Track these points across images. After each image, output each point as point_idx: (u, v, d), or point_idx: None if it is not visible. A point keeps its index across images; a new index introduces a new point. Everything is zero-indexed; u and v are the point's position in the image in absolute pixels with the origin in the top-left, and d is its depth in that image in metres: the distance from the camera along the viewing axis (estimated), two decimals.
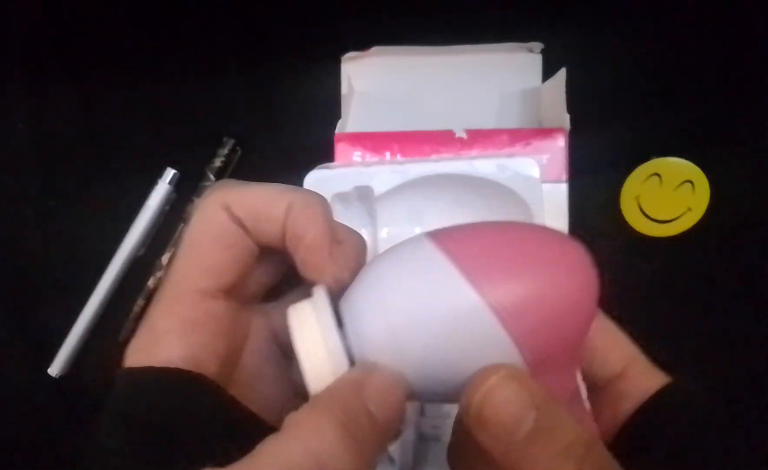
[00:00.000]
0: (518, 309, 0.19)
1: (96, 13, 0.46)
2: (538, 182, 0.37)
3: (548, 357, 0.20)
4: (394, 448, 0.37)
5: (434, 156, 0.39)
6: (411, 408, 0.37)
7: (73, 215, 0.46)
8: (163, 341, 0.23)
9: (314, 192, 0.24)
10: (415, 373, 0.20)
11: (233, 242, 0.23)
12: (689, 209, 0.42)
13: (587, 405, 0.25)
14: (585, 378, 0.25)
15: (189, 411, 0.22)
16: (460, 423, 0.23)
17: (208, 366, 0.23)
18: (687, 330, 0.43)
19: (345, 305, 0.21)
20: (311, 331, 0.21)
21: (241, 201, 0.23)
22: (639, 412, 0.23)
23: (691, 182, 0.42)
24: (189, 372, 0.22)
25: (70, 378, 0.46)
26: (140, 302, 0.45)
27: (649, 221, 0.42)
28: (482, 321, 0.19)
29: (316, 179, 0.38)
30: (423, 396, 0.21)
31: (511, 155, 0.38)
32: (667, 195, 0.42)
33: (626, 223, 0.43)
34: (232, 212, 0.23)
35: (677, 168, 0.42)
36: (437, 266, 0.20)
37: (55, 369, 0.45)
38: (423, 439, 0.37)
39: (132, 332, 0.45)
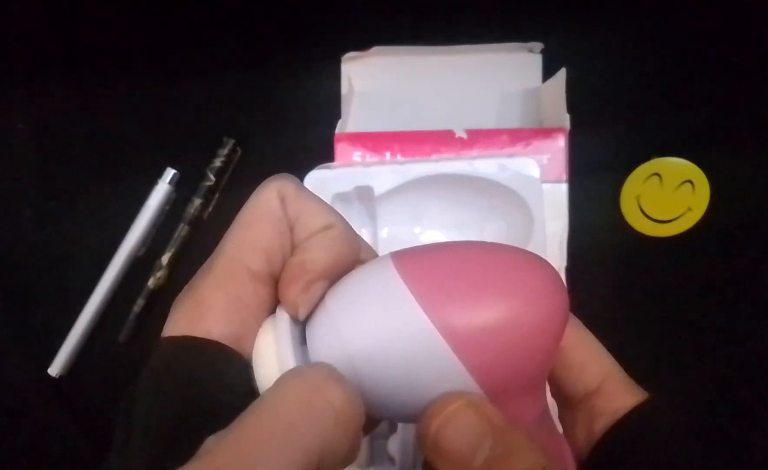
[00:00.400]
0: (471, 337, 0.19)
1: (96, 13, 0.46)
2: (538, 182, 0.37)
3: (508, 383, 0.20)
4: (394, 448, 0.37)
5: (434, 156, 0.39)
6: None
7: (73, 215, 0.46)
8: (209, 315, 0.23)
9: (352, 230, 0.25)
10: (375, 397, 0.20)
11: (286, 230, 0.23)
12: (689, 209, 0.42)
13: (557, 423, 0.24)
14: (558, 394, 0.25)
15: (221, 384, 0.22)
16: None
17: (246, 347, 0.23)
18: (687, 330, 0.43)
19: (308, 329, 0.21)
20: (267, 348, 0.21)
21: (295, 198, 0.24)
22: (612, 431, 0.23)
23: (691, 182, 0.42)
24: (228, 348, 0.22)
25: (70, 378, 0.46)
26: (140, 302, 0.45)
27: (649, 221, 0.42)
28: (435, 349, 0.19)
29: (316, 179, 0.38)
30: (385, 416, 0.21)
31: (511, 155, 0.38)
32: (668, 195, 0.42)
33: (626, 223, 0.43)
34: (285, 203, 0.23)
35: (677, 168, 0.42)
36: (394, 292, 0.19)
37: (55, 369, 0.45)
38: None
39: (132, 332, 0.46)
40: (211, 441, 0.18)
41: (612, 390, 0.23)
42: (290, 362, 0.21)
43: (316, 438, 0.18)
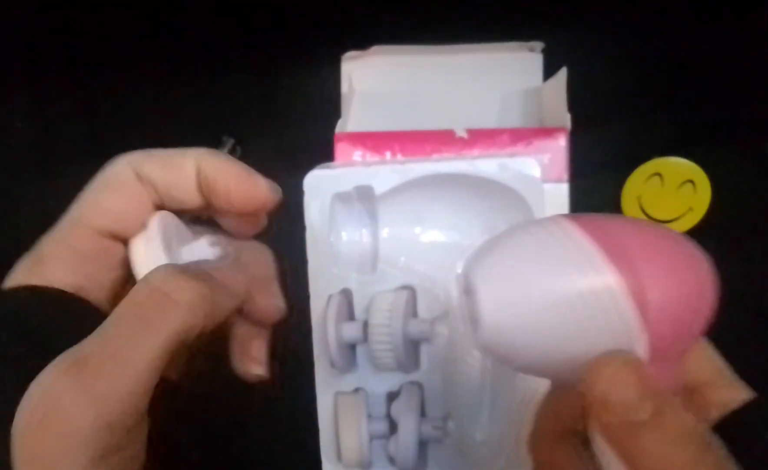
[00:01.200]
0: (656, 297, 0.20)
1: (96, 13, 0.46)
2: (539, 181, 0.37)
3: (668, 348, 0.21)
4: (394, 449, 0.37)
5: (435, 156, 0.39)
6: (412, 411, 0.36)
7: None
8: (49, 265, 0.26)
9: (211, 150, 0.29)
10: (534, 345, 0.21)
11: (134, 195, 0.27)
12: (690, 209, 0.42)
13: None
14: None
15: (64, 327, 0.24)
16: (544, 410, 0.26)
17: (93, 296, 0.25)
18: None
19: (477, 270, 0.22)
20: (139, 255, 0.27)
21: (150, 166, 0.28)
22: (726, 421, 0.25)
23: (692, 181, 0.42)
24: (71, 294, 0.25)
25: None
26: None
27: (650, 220, 0.42)
28: (620, 305, 0.20)
29: (316, 179, 0.38)
30: (528, 368, 0.23)
31: (512, 155, 0.38)
32: (669, 195, 0.42)
33: None
34: (139, 172, 0.27)
35: (679, 168, 0.42)
36: (580, 246, 0.21)
37: None
38: (424, 440, 0.37)
39: None
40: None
41: (725, 384, 0.25)
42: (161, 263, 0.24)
43: (170, 326, 0.22)
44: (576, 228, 0.21)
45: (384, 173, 0.37)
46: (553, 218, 0.22)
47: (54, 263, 0.25)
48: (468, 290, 0.22)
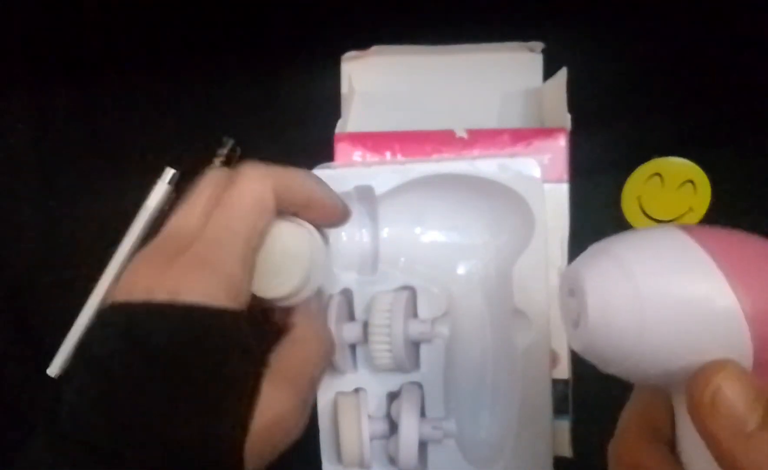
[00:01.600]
0: (764, 314, 0.21)
1: (96, 13, 0.46)
2: (539, 182, 0.37)
3: None
4: (394, 449, 0.37)
5: (435, 156, 0.39)
6: (412, 411, 0.36)
7: (73, 215, 0.46)
8: (195, 283, 0.27)
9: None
10: (639, 349, 0.21)
11: (272, 211, 0.29)
12: (690, 209, 0.42)
13: None
14: None
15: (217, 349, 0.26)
16: (631, 412, 0.26)
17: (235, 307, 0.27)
18: None
19: (589, 270, 0.23)
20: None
21: (283, 185, 0.29)
22: None
23: (692, 182, 0.42)
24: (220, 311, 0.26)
25: None
26: None
27: (650, 221, 0.42)
28: (730, 315, 0.21)
29: None
30: (625, 372, 0.23)
31: (512, 156, 0.38)
32: (669, 195, 0.42)
33: (627, 223, 0.43)
34: (277, 191, 0.29)
35: (678, 168, 0.42)
36: (694, 255, 0.21)
37: (54, 370, 0.45)
38: (424, 441, 0.37)
39: None
40: None
41: None
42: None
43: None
44: (689, 237, 0.22)
45: (384, 174, 0.37)
46: (668, 227, 0.23)
47: (199, 279, 0.26)
48: (574, 291, 0.23)
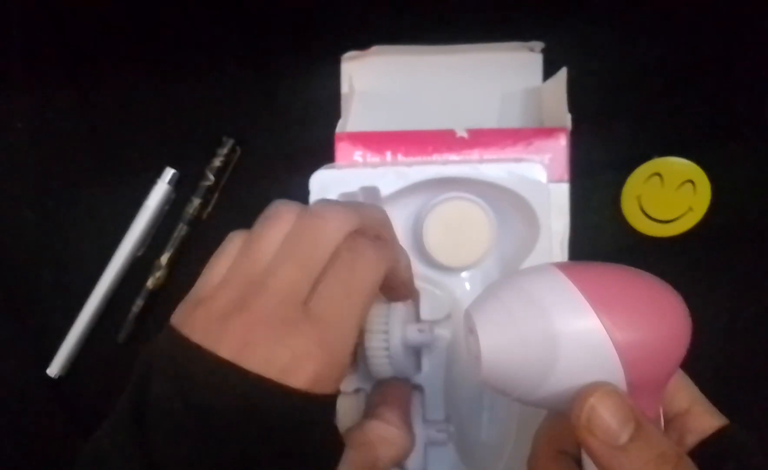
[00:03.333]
0: (632, 339, 0.23)
1: (96, 12, 0.46)
2: (545, 186, 0.37)
3: (645, 382, 0.24)
4: None
5: (436, 156, 0.39)
6: (415, 413, 0.36)
7: (73, 215, 0.46)
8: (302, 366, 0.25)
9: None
10: (528, 380, 0.24)
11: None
12: (690, 209, 0.42)
13: None
14: None
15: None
16: (541, 433, 0.29)
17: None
18: None
19: (478, 312, 0.25)
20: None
21: (390, 272, 0.30)
22: (702, 446, 0.27)
23: (692, 181, 0.42)
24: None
25: (68, 379, 0.46)
26: (139, 302, 0.45)
27: (650, 221, 0.42)
28: (600, 345, 0.23)
29: (322, 179, 0.37)
30: (523, 400, 0.25)
31: (519, 160, 0.37)
32: (669, 195, 0.42)
33: (627, 223, 0.43)
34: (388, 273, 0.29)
35: (678, 168, 0.42)
36: (567, 293, 0.24)
37: (53, 370, 0.45)
38: (424, 443, 0.37)
39: (131, 332, 0.45)
40: None
41: (701, 412, 0.28)
42: None
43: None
44: (566, 277, 0.24)
45: (390, 175, 0.37)
46: (545, 267, 0.26)
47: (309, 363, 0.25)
48: (471, 330, 0.25)
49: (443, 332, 0.37)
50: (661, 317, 0.25)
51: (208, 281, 0.28)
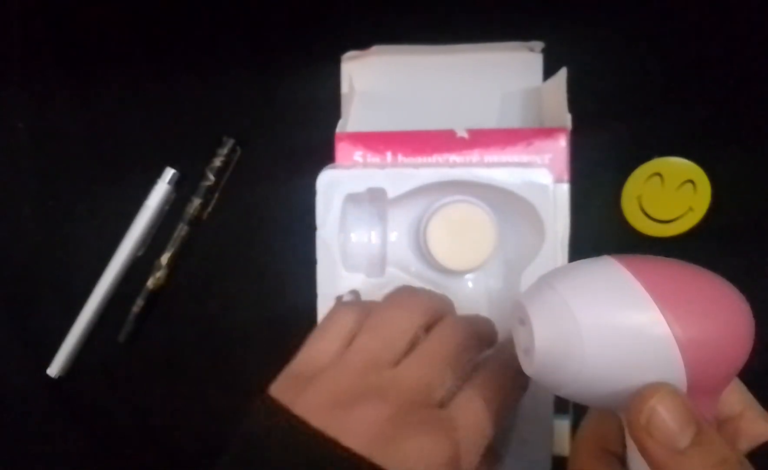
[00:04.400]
0: (696, 337, 0.22)
1: (95, 12, 0.46)
2: (550, 191, 0.37)
3: (706, 384, 0.23)
4: None
5: (436, 157, 0.39)
6: None
7: (73, 215, 0.46)
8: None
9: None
10: (582, 376, 0.23)
11: None
12: (690, 209, 0.42)
13: None
14: None
15: None
16: (586, 430, 0.28)
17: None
18: None
19: (533, 302, 0.24)
20: None
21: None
22: (756, 451, 0.26)
23: (692, 181, 0.42)
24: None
25: (69, 379, 0.46)
26: (139, 302, 0.45)
27: (650, 220, 0.42)
28: (663, 343, 0.22)
29: (329, 179, 0.37)
30: (574, 396, 0.24)
31: (525, 165, 0.37)
32: (669, 195, 0.42)
33: (627, 223, 0.43)
34: None
35: (679, 168, 0.42)
36: (630, 287, 0.23)
37: (54, 370, 0.45)
38: None
39: (131, 332, 0.45)
40: None
41: (754, 417, 0.27)
42: None
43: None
44: (626, 269, 0.23)
45: (396, 177, 0.37)
46: (605, 259, 0.24)
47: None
48: (523, 321, 0.25)
49: None
50: (726, 315, 0.23)
51: (316, 356, 0.27)
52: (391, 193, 0.37)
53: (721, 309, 0.23)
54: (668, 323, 0.22)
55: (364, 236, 0.40)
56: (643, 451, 0.22)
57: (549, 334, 0.23)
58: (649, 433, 0.22)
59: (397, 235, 0.40)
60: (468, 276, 0.39)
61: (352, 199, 0.38)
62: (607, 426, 0.27)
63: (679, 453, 0.22)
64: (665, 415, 0.22)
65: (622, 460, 0.26)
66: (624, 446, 0.26)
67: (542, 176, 0.37)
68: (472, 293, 0.39)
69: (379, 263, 0.39)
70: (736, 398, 0.27)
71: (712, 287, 0.24)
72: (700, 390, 0.23)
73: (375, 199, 0.38)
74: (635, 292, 0.23)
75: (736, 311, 0.24)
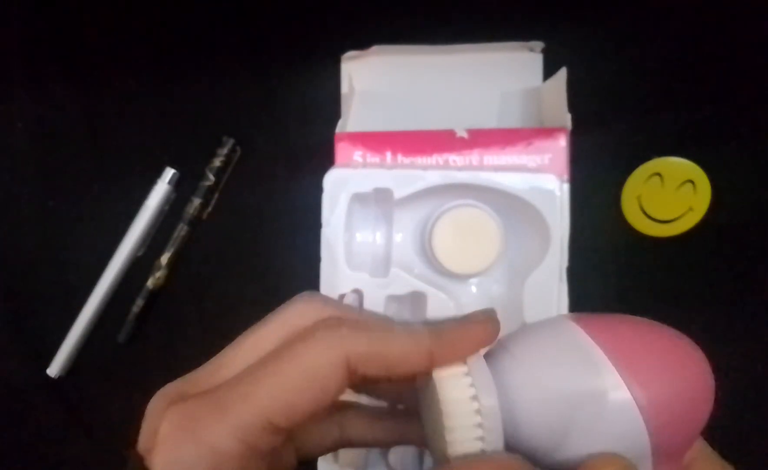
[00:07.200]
0: (658, 400, 0.21)
1: (96, 13, 0.46)
2: (556, 196, 0.37)
3: (671, 448, 0.22)
4: (395, 461, 0.37)
5: (436, 157, 0.39)
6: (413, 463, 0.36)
7: (73, 215, 0.46)
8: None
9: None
10: (538, 438, 0.22)
11: (328, 392, 0.22)
12: (690, 209, 0.42)
13: None
14: None
15: None
16: None
17: None
18: (687, 330, 0.43)
19: (493, 371, 0.22)
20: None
21: (370, 359, 0.22)
22: None
23: (692, 181, 0.42)
24: None
25: (69, 379, 0.46)
26: (139, 302, 0.45)
27: (650, 220, 0.42)
28: (625, 409, 0.21)
29: (336, 178, 0.37)
30: (532, 458, 0.23)
31: (533, 171, 0.37)
32: (669, 195, 0.42)
33: (627, 223, 0.43)
34: (351, 367, 0.22)
35: (678, 168, 0.42)
36: (587, 349, 0.22)
37: (54, 370, 0.45)
38: (422, 452, 0.37)
39: (131, 332, 0.45)
40: None
41: (706, 466, 0.25)
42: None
43: None
44: (583, 331, 0.22)
45: (404, 178, 0.37)
46: (562, 320, 0.23)
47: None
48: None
49: None
50: (688, 374, 0.22)
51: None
52: (398, 194, 0.37)
53: (683, 369, 0.23)
54: (629, 388, 0.21)
55: (369, 236, 0.40)
56: None
57: (518, 398, 0.22)
58: None
59: (402, 236, 0.40)
60: (472, 280, 0.39)
61: (359, 199, 0.38)
62: None
63: None
64: None
65: None
66: None
67: (549, 181, 0.37)
68: (476, 298, 0.39)
69: (384, 264, 0.39)
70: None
71: (669, 344, 0.23)
72: (665, 454, 0.22)
73: (381, 199, 0.38)
74: (595, 356, 0.22)
75: (697, 368, 0.23)
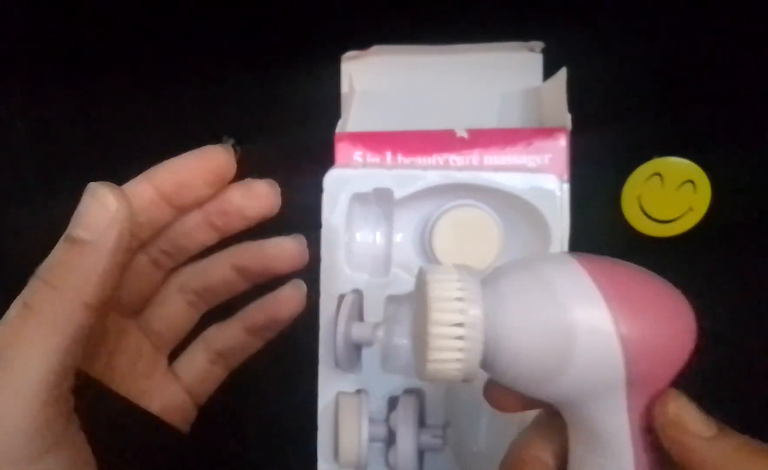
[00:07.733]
0: (636, 335, 0.23)
1: (96, 12, 0.46)
2: (556, 196, 0.37)
3: (645, 382, 0.24)
4: (394, 460, 0.37)
5: (436, 157, 0.39)
6: (409, 421, 0.36)
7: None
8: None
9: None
10: (537, 371, 0.24)
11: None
12: (690, 209, 0.42)
13: None
14: None
15: None
16: (521, 442, 0.29)
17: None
18: None
19: (488, 291, 0.24)
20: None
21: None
22: None
23: (692, 181, 0.42)
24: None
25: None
26: None
27: (650, 220, 0.42)
28: (608, 338, 0.23)
29: (336, 178, 0.37)
30: (529, 390, 0.25)
31: (533, 171, 0.37)
32: (669, 195, 0.42)
33: (627, 223, 0.43)
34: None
35: (679, 168, 0.42)
36: (584, 282, 0.24)
37: None
38: (422, 449, 0.37)
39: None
40: None
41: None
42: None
43: None
44: (579, 266, 0.24)
45: (405, 178, 0.37)
46: (562, 255, 0.25)
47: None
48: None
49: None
50: (668, 316, 0.24)
51: None
52: (398, 194, 0.37)
53: (664, 311, 0.24)
54: (613, 321, 0.23)
55: (369, 236, 0.40)
56: (675, 445, 0.24)
57: (501, 323, 0.24)
58: (682, 427, 0.24)
59: (403, 236, 0.40)
60: None
61: (359, 199, 0.38)
62: (552, 430, 0.28)
63: (712, 440, 0.24)
64: (692, 410, 0.24)
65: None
66: (563, 452, 0.27)
67: (550, 181, 0.37)
68: None
69: (384, 264, 0.39)
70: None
71: (657, 289, 0.25)
72: (639, 386, 0.24)
73: (381, 199, 0.38)
74: (589, 290, 0.24)
75: (678, 314, 0.25)
